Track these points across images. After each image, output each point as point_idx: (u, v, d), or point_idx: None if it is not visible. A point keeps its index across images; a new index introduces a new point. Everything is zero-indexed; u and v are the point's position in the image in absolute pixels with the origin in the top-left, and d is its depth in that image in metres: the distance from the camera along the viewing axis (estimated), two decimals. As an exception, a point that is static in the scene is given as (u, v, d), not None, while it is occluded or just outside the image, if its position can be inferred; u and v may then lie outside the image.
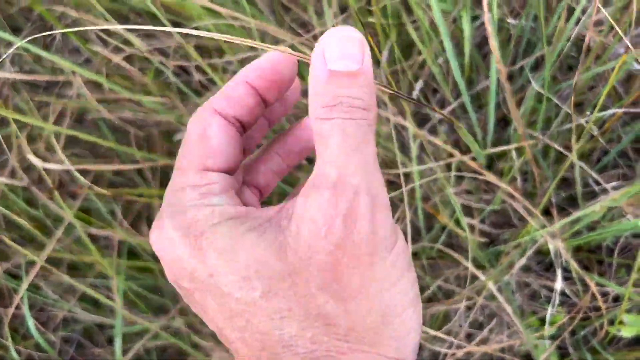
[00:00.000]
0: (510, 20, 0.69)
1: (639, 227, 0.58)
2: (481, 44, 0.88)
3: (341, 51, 0.23)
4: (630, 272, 0.86)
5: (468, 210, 0.85)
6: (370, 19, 0.75)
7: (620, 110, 0.56)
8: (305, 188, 0.24)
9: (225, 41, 0.74)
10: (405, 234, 0.82)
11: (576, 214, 0.62)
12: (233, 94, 0.27)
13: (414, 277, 0.25)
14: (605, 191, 0.76)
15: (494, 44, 0.54)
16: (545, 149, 0.81)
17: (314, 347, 0.23)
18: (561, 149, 0.62)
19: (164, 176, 0.89)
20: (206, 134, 0.27)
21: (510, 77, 0.81)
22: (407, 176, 0.83)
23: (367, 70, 0.24)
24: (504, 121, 0.83)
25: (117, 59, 0.70)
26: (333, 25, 0.56)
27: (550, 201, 0.73)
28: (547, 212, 0.81)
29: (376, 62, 0.75)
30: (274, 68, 0.27)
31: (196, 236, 0.24)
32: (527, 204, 0.71)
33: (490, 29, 0.52)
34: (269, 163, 0.31)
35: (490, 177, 0.70)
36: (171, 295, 0.83)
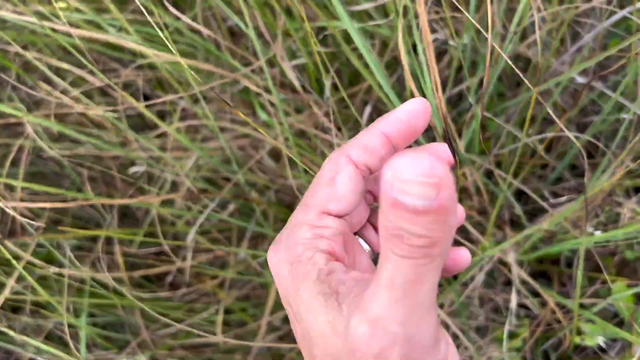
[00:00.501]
0: (451, 42, 0.70)
1: (580, 244, 0.59)
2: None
3: (408, 184, 0.20)
4: (594, 281, 0.87)
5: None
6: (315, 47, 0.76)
7: (550, 135, 0.57)
8: (370, 290, 0.24)
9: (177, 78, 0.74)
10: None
11: (525, 232, 0.62)
12: (369, 144, 0.29)
13: None
14: (558, 205, 0.77)
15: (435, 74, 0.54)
16: (498, 163, 0.82)
17: None
18: (500, 172, 0.63)
19: (122, 211, 0.88)
20: (335, 180, 0.29)
21: (460, 97, 0.82)
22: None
23: (440, 207, 0.20)
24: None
25: (66, 99, 0.70)
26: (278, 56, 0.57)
27: (501, 218, 0.74)
28: (512, 223, 0.82)
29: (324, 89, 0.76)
30: (409, 121, 0.29)
31: (294, 272, 0.28)
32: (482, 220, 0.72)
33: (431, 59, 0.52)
34: (367, 234, 0.33)
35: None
36: (134, 329, 0.83)
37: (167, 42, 0.39)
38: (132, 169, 0.81)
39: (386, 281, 0.22)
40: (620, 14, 0.56)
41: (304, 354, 0.28)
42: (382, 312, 0.22)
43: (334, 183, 0.29)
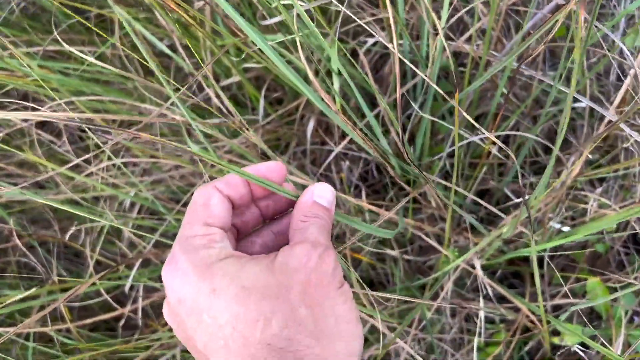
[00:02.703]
0: (389, 45, 0.66)
1: (530, 252, 0.55)
2: (377, 67, 0.85)
3: (323, 194, 0.39)
4: (566, 280, 0.83)
5: (391, 243, 0.81)
6: (252, 64, 0.72)
7: (490, 134, 0.53)
8: (288, 246, 0.35)
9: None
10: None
11: (481, 243, 0.58)
12: (232, 181, 0.38)
13: (355, 306, 0.35)
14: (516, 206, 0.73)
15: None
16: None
17: (288, 342, 0.32)
18: (442, 182, 0.58)
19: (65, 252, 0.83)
20: (209, 203, 0.37)
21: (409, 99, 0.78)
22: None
23: (331, 209, 0.39)
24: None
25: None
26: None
27: (462, 225, 0.70)
28: (475, 229, 0.78)
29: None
30: (265, 175, 0.38)
31: (207, 266, 0.33)
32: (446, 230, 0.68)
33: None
34: (264, 238, 0.41)
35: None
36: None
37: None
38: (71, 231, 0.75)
39: (313, 231, 0.36)
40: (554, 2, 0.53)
41: (209, 349, 0.33)
42: (316, 238, 0.36)
43: (209, 205, 0.36)
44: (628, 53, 0.52)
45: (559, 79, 0.65)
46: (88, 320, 0.78)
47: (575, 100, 0.68)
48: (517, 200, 0.72)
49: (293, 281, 0.33)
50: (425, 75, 0.63)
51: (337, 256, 0.36)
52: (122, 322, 0.80)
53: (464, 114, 0.44)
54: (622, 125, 0.54)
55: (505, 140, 0.79)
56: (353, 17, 0.51)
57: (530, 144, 0.69)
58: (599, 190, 0.77)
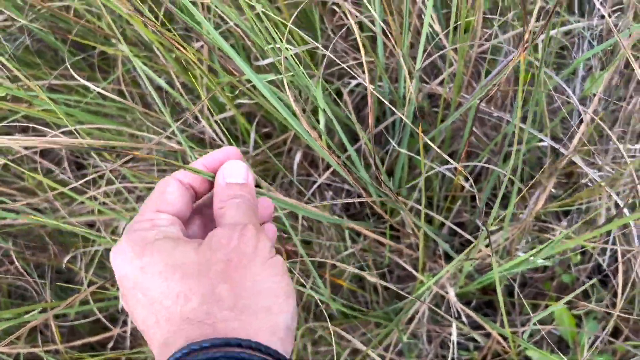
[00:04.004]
0: (369, 86, 0.72)
1: (491, 278, 0.60)
2: (360, 106, 0.91)
3: (233, 172, 0.40)
4: (537, 308, 0.88)
5: (370, 267, 0.85)
6: (244, 100, 0.77)
7: (458, 165, 0.59)
8: (213, 230, 0.37)
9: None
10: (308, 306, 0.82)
11: (453, 263, 0.63)
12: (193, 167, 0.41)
13: (287, 280, 0.36)
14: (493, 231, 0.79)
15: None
16: (430, 198, 0.83)
17: (206, 315, 0.33)
18: (415, 205, 0.64)
19: (57, 278, 0.86)
20: (165, 191, 0.39)
21: (390, 132, 0.84)
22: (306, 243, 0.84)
23: (247, 182, 0.40)
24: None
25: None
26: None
27: (436, 253, 0.75)
28: (460, 250, 0.82)
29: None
30: (223, 159, 0.41)
31: (143, 245, 0.36)
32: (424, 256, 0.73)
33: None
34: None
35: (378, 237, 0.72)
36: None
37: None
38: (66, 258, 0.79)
39: (231, 213, 0.38)
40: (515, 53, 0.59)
41: (146, 324, 0.35)
42: (235, 219, 0.38)
43: (164, 193, 0.39)
44: (577, 103, 0.59)
45: (523, 120, 0.72)
46: (77, 342, 0.80)
47: (540, 140, 0.75)
48: (486, 230, 0.77)
49: (214, 260, 0.35)
50: (402, 114, 0.69)
51: (260, 231, 0.37)
52: (111, 343, 0.83)
53: (427, 141, 0.49)
54: (578, 162, 0.60)
55: (478, 176, 0.85)
56: (337, 60, 0.57)
57: (494, 177, 0.75)
58: (564, 223, 0.83)
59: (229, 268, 0.35)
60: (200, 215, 0.43)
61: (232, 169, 0.40)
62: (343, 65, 0.59)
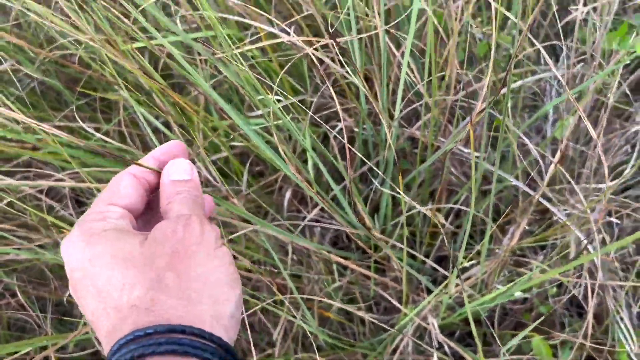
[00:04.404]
0: (355, 129, 0.78)
1: (464, 312, 0.64)
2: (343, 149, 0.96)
3: (178, 170, 0.42)
4: (514, 337, 0.92)
5: (357, 300, 0.89)
6: (238, 142, 0.83)
7: (432, 207, 0.63)
8: (159, 222, 0.38)
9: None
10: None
11: (432, 295, 0.67)
12: (143, 162, 0.42)
13: (233, 270, 0.38)
14: (467, 268, 0.83)
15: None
16: (413, 233, 0.88)
17: (152, 303, 0.34)
18: (397, 244, 0.68)
19: (58, 310, 0.89)
20: (118, 184, 0.41)
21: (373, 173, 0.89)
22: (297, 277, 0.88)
23: (192, 178, 0.42)
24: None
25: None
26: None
27: (419, 287, 0.79)
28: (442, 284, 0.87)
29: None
30: (172, 151, 0.43)
31: (91, 235, 0.37)
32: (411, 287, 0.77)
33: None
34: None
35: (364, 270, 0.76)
36: None
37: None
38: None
39: (176, 207, 0.40)
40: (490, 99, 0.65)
41: (94, 314, 0.36)
42: (179, 212, 0.39)
43: (117, 187, 0.41)
44: (535, 152, 0.64)
45: (499, 161, 0.77)
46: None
47: (513, 179, 0.80)
48: (467, 264, 0.82)
49: (159, 252, 0.36)
50: (383, 157, 0.75)
51: (205, 222, 0.38)
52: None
53: (400, 181, 0.54)
54: (544, 202, 0.65)
55: (458, 212, 0.90)
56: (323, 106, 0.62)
57: (469, 216, 0.80)
58: (541, 256, 0.88)
59: (174, 259, 0.36)
60: (153, 210, 0.44)
61: (176, 166, 0.42)
62: (328, 110, 0.64)
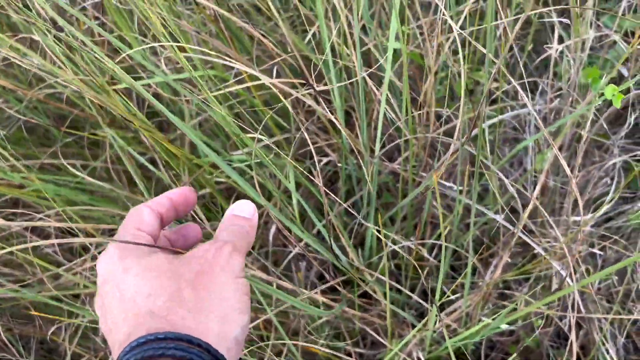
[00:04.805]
0: (339, 164, 0.79)
1: (446, 348, 0.64)
2: (332, 180, 0.98)
3: (242, 208, 0.46)
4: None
5: (347, 334, 0.89)
6: (222, 179, 0.83)
7: (415, 242, 0.64)
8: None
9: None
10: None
11: (414, 330, 0.68)
12: (160, 201, 0.46)
13: (246, 299, 0.41)
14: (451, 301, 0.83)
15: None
16: (398, 266, 0.88)
17: (167, 311, 0.37)
18: (381, 292, 0.68)
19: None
20: (141, 213, 0.44)
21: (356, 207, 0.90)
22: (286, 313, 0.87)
23: (250, 217, 0.46)
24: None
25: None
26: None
27: (404, 321, 0.79)
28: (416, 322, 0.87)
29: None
30: (186, 194, 0.48)
31: (125, 249, 0.41)
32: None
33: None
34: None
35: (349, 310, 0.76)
36: None
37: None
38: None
39: (223, 235, 0.44)
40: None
41: (115, 322, 0.38)
42: (219, 237, 0.44)
43: (141, 215, 0.44)
44: (511, 188, 0.66)
45: (482, 195, 0.79)
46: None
47: (494, 213, 0.81)
48: (452, 297, 0.82)
49: (187, 268, 0.40)
50: (367, 191, 0.76)
51: (235, 252, 0.42)
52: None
53: (380, 218, 0.55)
54: (523, 237, 0.66)
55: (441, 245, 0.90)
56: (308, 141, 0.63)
57: (449, 251, 0.80)
58: (526, 288, 0.88)
59: (198, 276, 0.39)
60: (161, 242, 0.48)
61: (241, 205, 0.47)
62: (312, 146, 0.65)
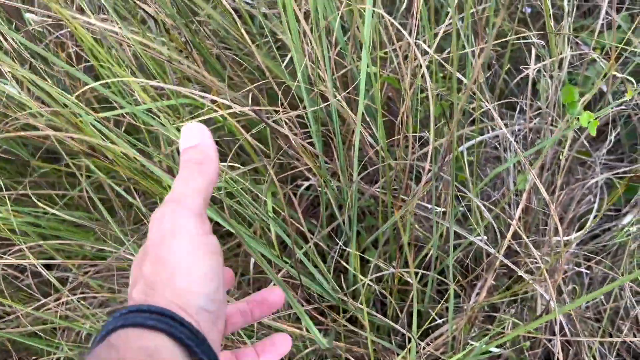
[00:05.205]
0: (333, 183, 0.78)
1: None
2: (314, 203, 0.97)
3: (186, 137, 0.40)
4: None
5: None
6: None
7: (394, 271, 0.63)
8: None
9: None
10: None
11: (398, 357, 0.66)
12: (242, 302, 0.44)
13: (210, 262, 0.36)
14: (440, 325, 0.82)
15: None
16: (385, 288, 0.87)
17: (131, 288, 0.36)
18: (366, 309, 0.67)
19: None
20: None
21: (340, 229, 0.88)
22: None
23: (202, 143, 0.39)
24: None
25: None
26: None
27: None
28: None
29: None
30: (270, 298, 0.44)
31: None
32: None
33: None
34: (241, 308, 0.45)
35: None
36: None
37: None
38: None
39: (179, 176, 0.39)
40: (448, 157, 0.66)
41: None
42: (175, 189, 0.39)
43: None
44: (487, 215, 0.65)
45: (465, 216, 0.78)
46: None
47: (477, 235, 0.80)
48: (439, 321, 0.81)
49: (149, 243, 0.37)
50: (348, 215, 0.75)
51: (183, 209, 0.37)
52: None
53: (354, 244, 0.54)
54: (505, 261, 0.65)
55: (428, 267, 0.89)
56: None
57: (434, 276, 0.79)
58: (512, 310, 0.87)
59: (154, 247, 0.36)
60: None
61: (185, 132, 0.40)
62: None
